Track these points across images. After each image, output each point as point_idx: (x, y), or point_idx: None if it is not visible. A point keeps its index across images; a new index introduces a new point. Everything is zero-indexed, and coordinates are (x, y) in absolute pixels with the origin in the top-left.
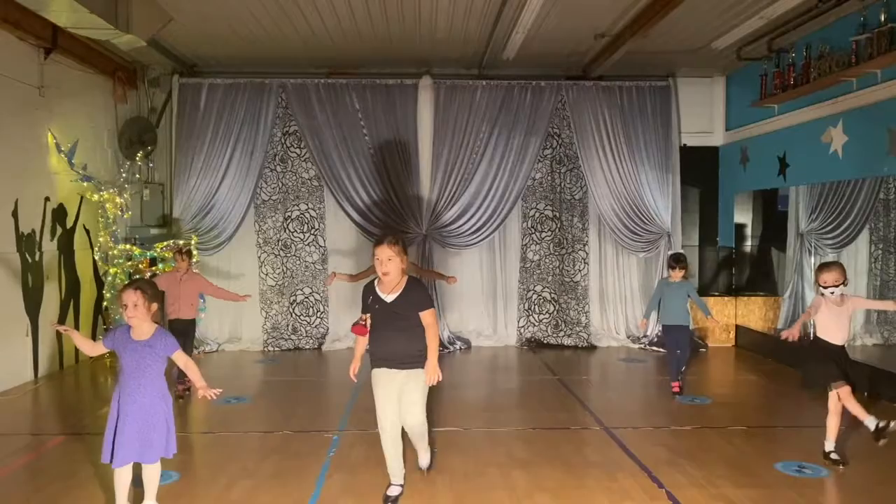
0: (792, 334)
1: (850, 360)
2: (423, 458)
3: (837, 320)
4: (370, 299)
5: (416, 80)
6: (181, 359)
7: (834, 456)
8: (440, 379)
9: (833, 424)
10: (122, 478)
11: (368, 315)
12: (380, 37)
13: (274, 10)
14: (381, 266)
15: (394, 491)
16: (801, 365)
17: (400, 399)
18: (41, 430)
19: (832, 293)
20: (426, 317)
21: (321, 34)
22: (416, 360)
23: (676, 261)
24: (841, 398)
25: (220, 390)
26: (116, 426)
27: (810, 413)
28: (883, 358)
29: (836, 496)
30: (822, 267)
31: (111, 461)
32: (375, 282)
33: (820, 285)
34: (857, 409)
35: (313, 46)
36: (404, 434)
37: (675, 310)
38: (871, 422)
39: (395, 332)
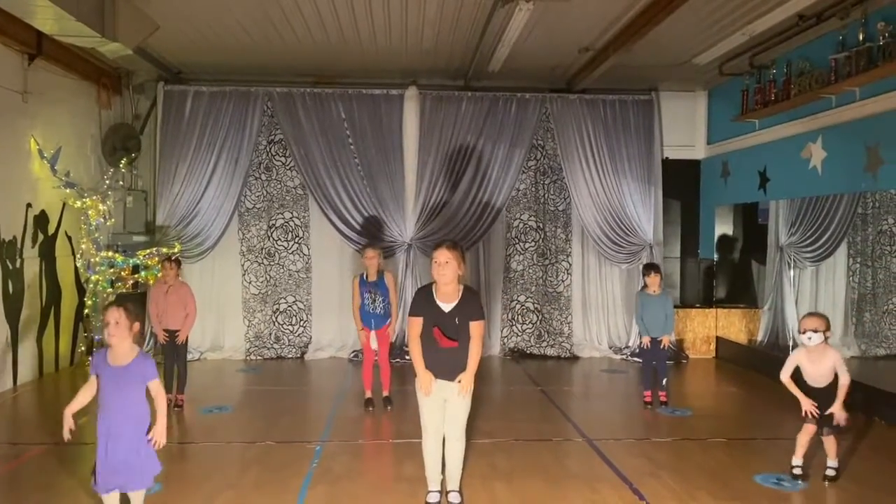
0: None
1: (833, 401)
2: (456, 495)
3: (816, 370)
4: (425, 304)
5: (402, 91)
6: (154, 388)
7: (797, 471)
8: (467, 392)
9: (801, 442)
10: (111, 500)
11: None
12: (366, 47)
13: (260, 19)
14: (438, 268)
15: (433, 497)
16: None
17: (445, 410)
18: (20, 440)
19: (809, 338)
20: (476, 327)
21: (307, 43)
22: (464, 371)
23: (650, 268)
24: (804, 429)
25: (164, 443)
26: (99, 452)
27: (790, 426)
28: (861, 371)
29: None
30: (806, 314)
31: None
32: (433, 287)
33: (800, 332)
34: (800, 447)
35: (299, 55)
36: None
37: (655, 322)
38: (797, 461)
39: (452, 335)
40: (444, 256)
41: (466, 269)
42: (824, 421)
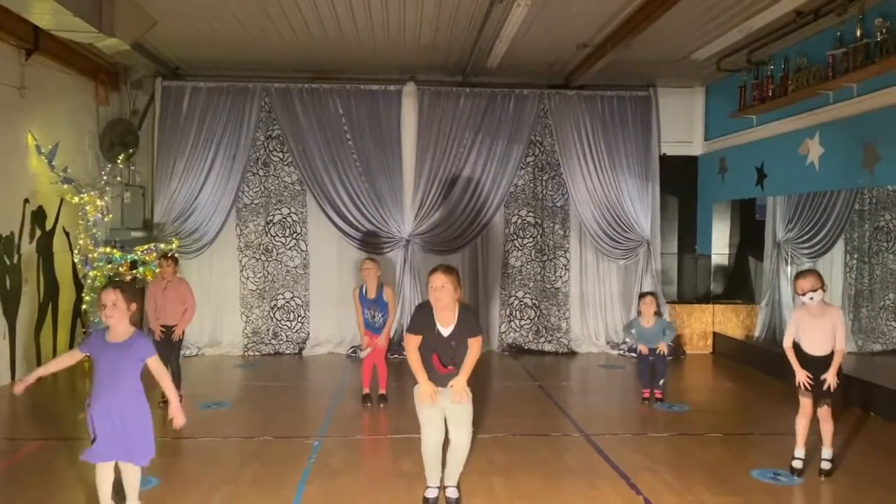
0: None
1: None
2: (454, 490)
3: (817, 331)
4: (426, 324)
5: (400, 87)
6: (154, 366)
7: (796, 464)
8: (464, 398)
9: (801, 428)
10: (104, 476)
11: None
12: (364, 42)
13: (258, 15)
14: (435, 292)
15: (432, 493)
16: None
17: (447, 416)
18: (18, 435)
19: (811, 299)
20: (474, 342)
21: (305, 39)
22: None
23: (647, 294)
24: (800, 411)
25: (184, 422)
26: (95, 427)
27: (787, 421)
28: (857, 366)
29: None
30: (798, 275)
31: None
32: (434, 310)
33: (798, 293)
34: (800, 434)
35: (297, 51)
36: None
37: (654, 339)
38: (799, 453)
39: (448, 362)
40: (440, 281)
41: (463, 292)
42: (819, 392)
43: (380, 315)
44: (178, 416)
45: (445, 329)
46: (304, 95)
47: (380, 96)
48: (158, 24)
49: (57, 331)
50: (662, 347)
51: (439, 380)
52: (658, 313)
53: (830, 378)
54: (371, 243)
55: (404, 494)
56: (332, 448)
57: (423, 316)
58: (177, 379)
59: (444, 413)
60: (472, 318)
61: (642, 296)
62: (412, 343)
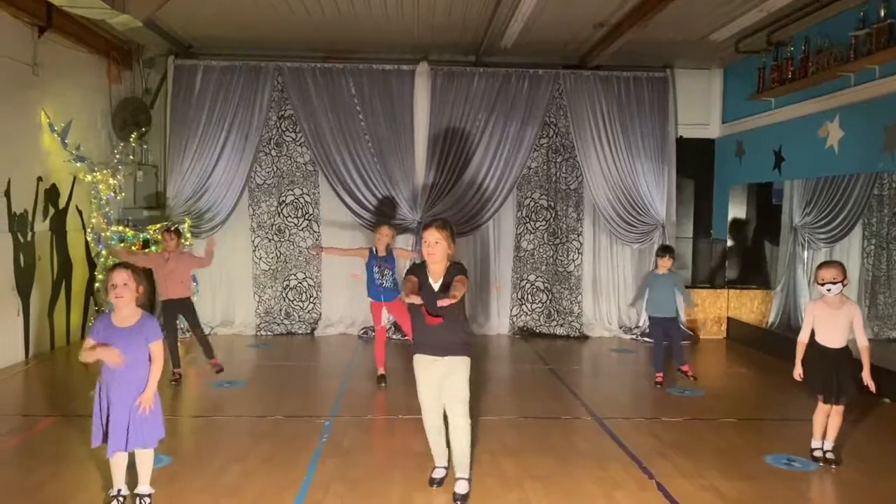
0: (797, 373)
1: (848, 367)
2: (462, 484)
3: (833, 322)
4: (419, 273)
5: (412, 66)
6: (157, 350)
7: (817, 454)
8: (455, 298)
9: (818, 423)
10: (118, 463)
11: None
12: (377, 21)
13: None
14: (428, 248)
15: (438, 473)
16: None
17: (442, 391)
18: (32, 412)
19: (829, 290)
20: (458, 278)
21: (318, 17)
22: (458, 348)
23: (665, 250)
24: (818, 409)
25: (151, 409)
26: (108, 413)
27: (800, 406)
28: (873, 353)
29: (824, 489)
30: (822, 264)
31: (103, 444)
32: (426, 266)
33: (818, 283)
34: (818, 428)
35: (310, 29)
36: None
37: (663, 301)
38: (816, 444)
39: (435, 312)
40: (433, 237)
41: (456, 248)
42: (840, 389)
43: (388, 273)
44: (147, 402)
45: (435, 283)
46: (317, 75)
47: (392, 76)
48: (171, 2)
49: (70, 309)
50: (684, 308)
51: (433, 339)
52: (671, 270)
53: (867, 379)
54: (383, 224)
55: (415, 473)
56: (344, 427)
57: (416, 266)
58: (206, 345)
59: (441, 384)
60: (459, 270)
61: (662, 250)
62: (409, 281)
